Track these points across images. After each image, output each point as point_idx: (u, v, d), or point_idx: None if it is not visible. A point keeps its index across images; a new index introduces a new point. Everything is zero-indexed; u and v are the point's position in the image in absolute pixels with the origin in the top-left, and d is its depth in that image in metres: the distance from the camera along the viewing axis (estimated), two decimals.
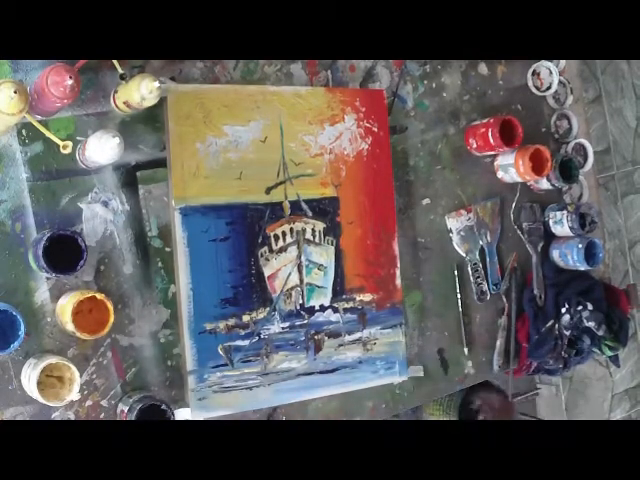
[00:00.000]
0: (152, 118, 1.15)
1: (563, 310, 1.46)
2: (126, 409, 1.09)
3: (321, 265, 1.25)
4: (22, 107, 0.94)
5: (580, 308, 1.45)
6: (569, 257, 1.48)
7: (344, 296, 1.27)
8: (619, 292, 1.56)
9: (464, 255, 1.43)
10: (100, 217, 1.12)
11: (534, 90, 1.52)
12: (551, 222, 1.51)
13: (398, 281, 1.32)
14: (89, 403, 1.11)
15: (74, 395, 1.04)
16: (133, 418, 1.06)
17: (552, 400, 2.52)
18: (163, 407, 1.09)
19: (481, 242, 1.45)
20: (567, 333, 1.46)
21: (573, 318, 1.45)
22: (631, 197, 2.71)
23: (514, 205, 1.49)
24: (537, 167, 1.41)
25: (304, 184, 1.25)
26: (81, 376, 1.05)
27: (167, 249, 1.17)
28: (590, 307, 1.45)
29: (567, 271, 1.51)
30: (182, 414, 1.15)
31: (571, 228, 1.47)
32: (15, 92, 0.92)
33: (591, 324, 1.44)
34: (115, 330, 1.11)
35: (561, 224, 1.49)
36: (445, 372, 1.42)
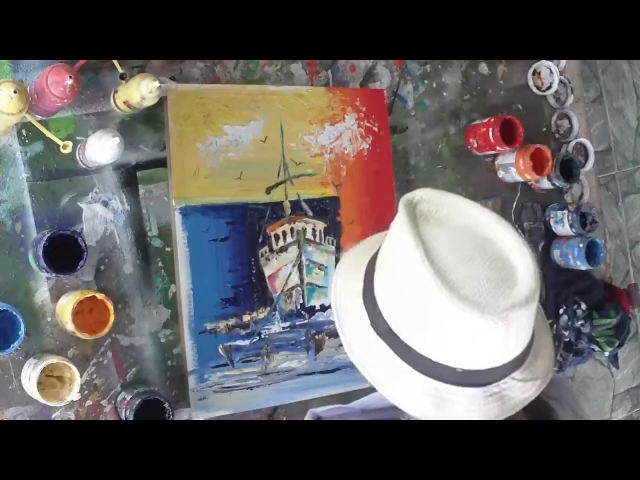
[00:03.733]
0: (152, 118, 1.15)
1: (561, 311, 1.46)
2: (129, 397, 1.09)
3: (322, 265, 1.25)
4: (22, 107, 0.94)
5: (575, 307, 1.45)
6: (570, 257, 1.48)
7: None
8: (620, 292, 1.56)
9: None
10: (100, 217, 1.12)
11: (535, 90, 1.51)
12: (552, 222, 1.50)
13: None
14: (89, 403, 1.11)
15: (74, 395, 1.04)
16: (135, 407, 1.06)
17: None
18: (165, 405, 1.09)
19: None
20: (566, 334, 1.45)
21: (570, 318, 1.45)
22: (632, 197, 2.71)
23: (515, 205, 1.49)
24: (538, 166, 1.41)
25: (304, 184, 1.24)
26: (81, 376, 1.05)
27: (167, 249, 1.17)
28: (584, 306, 1.45)
29: (568, 271, 1.50)
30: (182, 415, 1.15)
31: (572, 228, 1.47)
32: (15, 92, 0.92)
33: (580, 323, 1.44)
34: (115, 330, 1.11)
35: (562, 224, 1.48)
36: None
